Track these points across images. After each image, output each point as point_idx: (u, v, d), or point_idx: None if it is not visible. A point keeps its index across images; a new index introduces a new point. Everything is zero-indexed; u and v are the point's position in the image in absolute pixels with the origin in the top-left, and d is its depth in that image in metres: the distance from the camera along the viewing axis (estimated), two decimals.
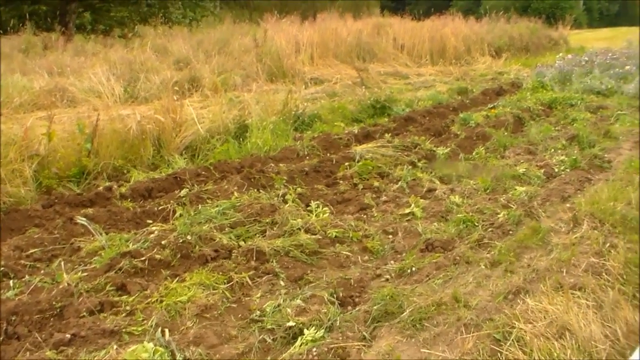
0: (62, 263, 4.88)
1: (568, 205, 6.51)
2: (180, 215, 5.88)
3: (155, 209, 6.12)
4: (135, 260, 4.82)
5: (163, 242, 5.16)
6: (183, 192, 6.52)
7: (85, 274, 4.70)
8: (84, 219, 5.57)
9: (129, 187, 6.80)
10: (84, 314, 4.06)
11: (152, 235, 5.36)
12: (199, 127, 8.51)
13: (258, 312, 4.28)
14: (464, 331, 4.00)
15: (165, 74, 12.82)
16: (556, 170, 7.93)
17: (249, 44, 16.40)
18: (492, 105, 12.24)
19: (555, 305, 4.16)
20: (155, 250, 5.02)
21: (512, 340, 3.83)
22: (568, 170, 7.92)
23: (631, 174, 7.44)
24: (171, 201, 6.25)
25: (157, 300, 4.37)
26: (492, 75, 18.23)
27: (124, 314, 4.16)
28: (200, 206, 6.08)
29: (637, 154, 8.71)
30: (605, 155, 8.60)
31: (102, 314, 4.12)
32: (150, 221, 5.86)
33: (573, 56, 18.92)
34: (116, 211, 6.01)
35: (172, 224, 5.70)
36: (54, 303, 4.11)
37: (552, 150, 8.88)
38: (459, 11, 29.37)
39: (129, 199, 6.47)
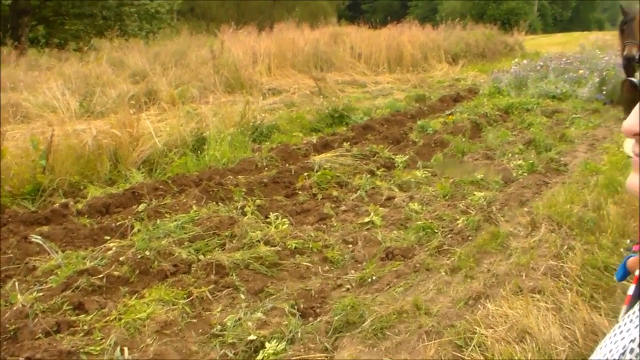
0: (17, 283, 4.77)
1: (526, 209, 6.60)
2: (139, 230, 5.81)
3: (113, 224, 6.03)
4: (93, 278, 4.75)
5: (121, 259, 5.10)
6: (141, 206, 6.45)
7: (41, 294, 4.60)
8: (38, 237, 5.47)
9: (85, 203, 6.69)
10: (40, 335, 3.98)
11: (109, 252, 5.29)
12: (156, 141, 8.44)
13: (219, 327, 4.25)
14: (425, 339, 4.02)
15: (122, 87, 12.71)
16: (514, 174, 8.03)
17: (206, 55, 16.33)
18: (449, 112, 12.35)
19: (515, 309, 4.21)
20: (113, 267, 4.96)
21: (474, 345, 3.86)
22: (525, 174, 8.03)
23: (587, 176, 7.58)
24: (129, 216, 6.18)
25: (115, 318, 4.31)
26: (449, 82, 18.40)
27: (81, 334, 4.09)
28: (158, 221, 6.01)
29: (592, 156, 8.89)
30: (562, 159, 8.74)
31: (59, 335, 4.04)
32: (108, 237, 5.78)
33: (528, 61, 19.21)
34: (72, 228, 5.91)
35: (130, 240, 5.63)
36: (7, 326, 4.03)
37: (510, 154, 8.99)
38: (415, 19, 29.65)
39: (86, 216, 6.37)
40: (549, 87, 14.75)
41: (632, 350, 0.78)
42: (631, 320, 0.83)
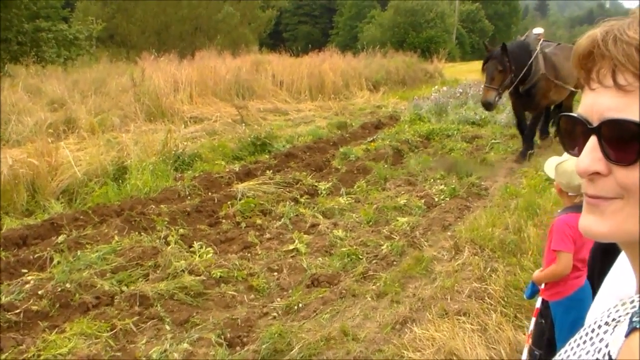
0: None
1: (449, 233, 6.76)
2: (58, 262, 5.67)
3: (31, 257, 5.86)
4: (9, 313, 4.62)
5: (40, 292, 4.97)
6: (60, 238, 6.29)
7: None
8: None
9: (1, 235, 6.48)
10: None
11: (27, 286, 5.15)
12: (76, 170, 8.27)
13: (144, 359, 4.17)
14: None
15: (39, 115, 12.37)
16: (436, 199, 8.20)
17: (126, 83, 16.12)
18: (371, 139, 12.52)
19: (441, 331, 4.29)
20: (31, 301, 4.83)
21: None
22: (447, 199, 8.21)
23: (507, 200, 7.81)
24: (48, 248, 6.01)
25: (34, 355, 4.19)
26: (371, 109, 18.63)
27: None
28: (79, 252, 5.88)
29: (512, 180, 9.16)
30: (482, 183, 8.99)
31: None
32: (26, 270, 5.61)
33: (448, 88, 19.69)
34: None
35: (50, 272, 5.49)
36: None
37: (432, 180, 9.17)
38: (336, 47, 30.02)
39: (2, 248, 6.16)
40: (469, 114, 15.14)
41: None
42: (579, 346, 0.86)
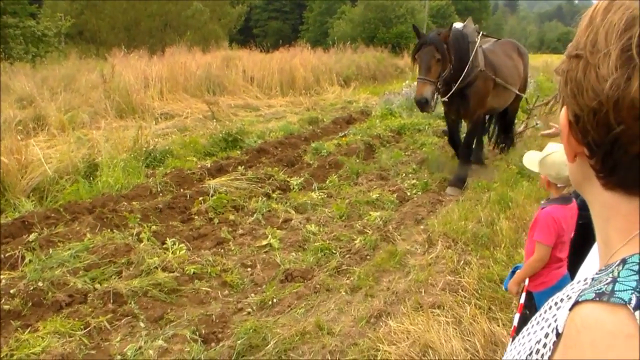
0: None
1: (422, 227, 6.82)
2: (30, 261, 5.63)
3: (2, 256, 5.81)
4: None
5: (12, 291, 4.94)
6: (32, 236, 6.23)
7: None
8: None
9: None
10: None
11: None
12: (46, 168, 8.20)
13: (119, 357, 4.19)
14: (329, 358, 4.08)
15: (8, 112, 12.22)
16: (408, 194, 8.26)
17: (96, 80, 15.97)
18: (343, 134, 12.58)
19: (416, 325, 4.34)
20: (3, 300, 4.80)
21: None
22: (420, 193, 8.28)
23: (479, 194, 7.88)
24: (19, 247, 5.95)
25: (7, 355, 4.18)
26: (342, 104, 18.67)
27: None
28: (51, 250, 5.85)
29: (484, 174, 9.24)
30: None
31: None
32: None
33: None
34: None
35: (22, 271, 5.45)
36: None
37: (404, 174, 9.24)
38: (307, 42, 29.98)
39: None
40: (439, 108, 15.19)
41: (537, 351, 0.85)
42: (538, 323, 0.91)
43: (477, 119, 9.19)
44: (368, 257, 6.13)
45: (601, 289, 0.79)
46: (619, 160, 0.84)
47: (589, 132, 0.87)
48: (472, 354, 4.10)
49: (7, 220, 6.84)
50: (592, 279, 0.86)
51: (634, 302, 0.75)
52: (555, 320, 0.84)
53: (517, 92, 9.88)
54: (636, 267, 0.80)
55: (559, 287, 3.37)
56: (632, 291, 0.76)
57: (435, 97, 8.24)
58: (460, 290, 5.05)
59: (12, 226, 6.59)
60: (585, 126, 0.87)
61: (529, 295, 3.50)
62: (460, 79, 8.39)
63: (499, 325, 4.40)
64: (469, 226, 6.48)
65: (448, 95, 8.57)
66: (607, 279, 0.81)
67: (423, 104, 8.03)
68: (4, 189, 7.69)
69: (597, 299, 0.78)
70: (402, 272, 5.66)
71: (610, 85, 0.81)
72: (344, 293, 5.22)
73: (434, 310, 4.66)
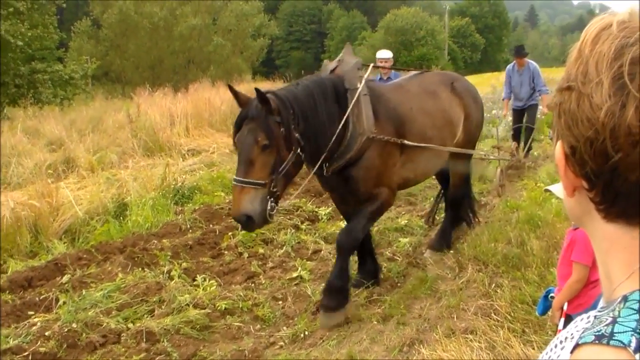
0: None
1: (452, 251, 6.75)
2: (64, 302, 5.70)
3: (37, 298, 5.90)
4: (17, 356, 4.65)
5: (47, 333, 5.00)
6: (65, 278, 6.32)
7: None
8: None
9: (6, 278, 6.51)
10: None
11: (34, 328, 5.18)
12: (77, 210, 8.33)
13: None
14: None
15: (39, 156, 12.44)
16: (437, 218, 8.20)
17: (123, 119, 16.21)
18: None
19: (449, 351, 4.31)
20: (38, 343, 4.85)
21: None
22: None
23: (508, 214, 7.78)
24: (53, 289, 6.04)
25: None
26: None
27: None
28: (84, 291, 5.91)
29: (511, 193, 9.15)
30: (482, 199, 8.97)
31: None
32: (32, 312, 5.64)
33: None
34: None
35: (56, 313, 5.52)
36: None
37: (431, 198, 9.17)
38: None
39: (7, 291, 6.20)
40: None
41: None
42: (558, 344, 0.91)
43: (382, 196, 5.54)
44: (399, 284, 6.11)
45: (601, 330, 0.80)
46: (619, 189, 0.85)
47: (586, 162, 0.87)
48: None
49: (41, 263, 6.94)
50: (595, 317, 0.86)
51: (633, 344, 0.76)
52: None
53: (453, 149, 6.44)
54: (636, 306, 0.81)
55: (595, 307, 3.32)
56: (632, 333, 0.77)
57: (267, 207, 4.74)
58: (492, 314, 5.00)
59: (46, 269, 6.69)
60: (582, 157, 0.88)
61: (568, 318, 3.45)
62: (334, 155, 5.27)
63: (533, 348, 4.34)
64: (498, 248, 6.41)
65: (322, 176, 5.50)
66: (607, 319, 0.82)
67: (245, 223, 4.76)
68: (36, 232, 7.82)
69: (597, 341, 0.79)
70: (434, 298, 5.62)
71: (605, 113, 0.82)
72: (375, 322, 5.20)
73: (466, 335, 4.62)
